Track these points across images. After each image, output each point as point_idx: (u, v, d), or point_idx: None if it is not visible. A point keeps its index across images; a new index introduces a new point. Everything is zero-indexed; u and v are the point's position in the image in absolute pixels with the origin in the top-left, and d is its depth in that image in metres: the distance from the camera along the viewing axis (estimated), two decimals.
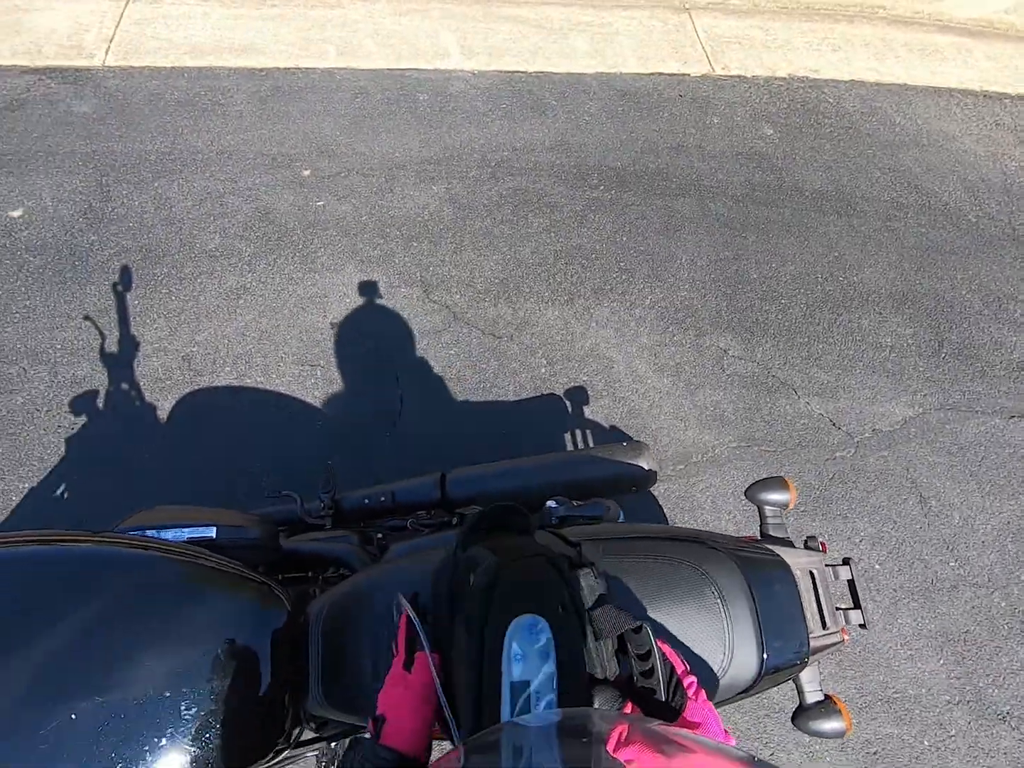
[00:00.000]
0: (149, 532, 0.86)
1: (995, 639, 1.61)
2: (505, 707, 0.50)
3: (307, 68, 2.59)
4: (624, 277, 2.14)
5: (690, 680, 0.54)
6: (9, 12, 2.63)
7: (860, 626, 0.91)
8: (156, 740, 0.64)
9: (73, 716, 0.62)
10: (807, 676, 0.88)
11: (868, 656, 1.58)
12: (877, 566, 1.70)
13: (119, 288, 1.93)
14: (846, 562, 0.94)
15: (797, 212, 2.39)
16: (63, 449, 1.66)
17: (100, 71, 2.49)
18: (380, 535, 1.15)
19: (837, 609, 0.90)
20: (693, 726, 0.50)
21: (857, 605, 0.92)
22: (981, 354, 2.09)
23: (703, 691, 0.55)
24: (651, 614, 0.74)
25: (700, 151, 2.52)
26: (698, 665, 0.73)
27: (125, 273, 1.97)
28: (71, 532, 0.76)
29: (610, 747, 0.38)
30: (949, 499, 1.81)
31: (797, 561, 0.89)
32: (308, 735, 0.83)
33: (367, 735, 0.57)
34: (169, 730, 0.64)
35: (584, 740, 0.41)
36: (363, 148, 2.36)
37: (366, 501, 1.20)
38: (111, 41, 2.59)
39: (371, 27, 2.79)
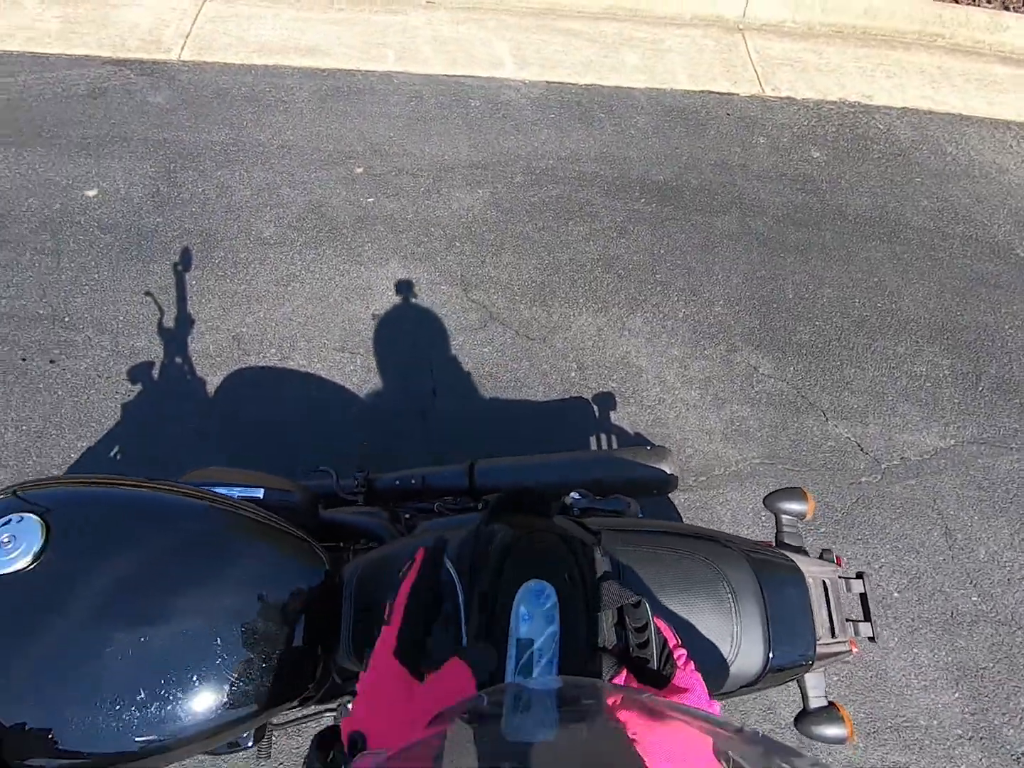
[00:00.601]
0: (213, 488, 0.94)
1: (1014, 678, 1.59)
2: (511, 662, 0.54)
3: (367, 71, 2.70)
4: (659, 289, 2.18)
5: (680, 652, 0.58)
6: (99, 7, 2.82)
7: (869, 639, 0.93)
8: (202, 669, 0.70)
9: (128, 640, 0.69)
10: (812, 682, 0.91)
11: (880, 682, 1.57)
12: (896, 594, 1.69)
13: (179, 268, 2.05)
14: (859, 576, 0.96)
15: (838, 235, 2.39)
16: (119, 414, 1.78)
17: (175, 65, 2.65)
18: (408, 515, 1.21)
19: (847, 620, 0.92)
20: (681, 691, 0.54)
21: (868, 618, 0.94)
22: (1020, 390, 2.05)
23: (692, 662, 0.59)
24: (664, 603, 0.78)
25: (744, 170, 2.54)
26: (706, 654, 0.76)
27: (185, 254, 2.09)
28: (139, 479, 0.84)
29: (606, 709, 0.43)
30: (976, 534, 1.79)
31: (810, 569, 0.91)
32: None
33: (332, 760, 0.52)
34: (215, 661, 0.71)
35: (583, 703, 0.45)
36: (414, 149, 2.46)
37: (397, 483, 1.26)
38: (187, 37, 2.75)
39: (430, 34, 2.89)
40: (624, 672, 0.56)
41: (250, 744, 0.88)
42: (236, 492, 0.94)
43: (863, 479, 1.86)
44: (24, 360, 1.84)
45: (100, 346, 1.89)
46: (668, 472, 1.18)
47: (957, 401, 2.02)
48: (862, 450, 1.90)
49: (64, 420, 1.75)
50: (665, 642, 0.58)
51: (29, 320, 1.92)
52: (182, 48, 2.71)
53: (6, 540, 0.68)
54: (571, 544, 0.63)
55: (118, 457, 1.70)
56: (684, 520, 1.75)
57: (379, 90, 2.64)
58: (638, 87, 2.78)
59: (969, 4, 3.20)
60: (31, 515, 0.71)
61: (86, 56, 2.63)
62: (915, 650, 1.61)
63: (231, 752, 0.89)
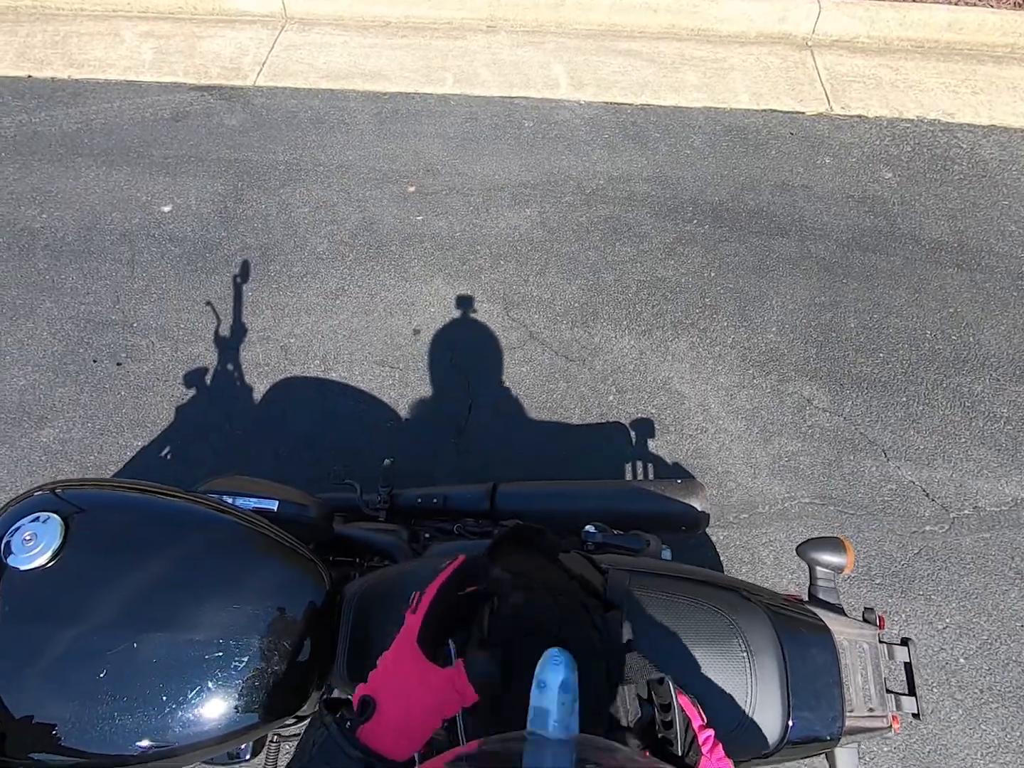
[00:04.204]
0: (227, 498, 0.97)
1: None
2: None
3: (425, 93, 2.78)
4: (707, 313, 2.09)
5: (706, 735, 0.53)
6: (188, 38, 3.06)
7: (913, 716, 0.83)
8: (200, 678, 0.71)
9: (136, 645, 0.70)
10: (844, 758, 0.82)
11: (943, 761, 1.41)
12: (962, 660, 1.52)
13: (238, 280, 2.16)
14: (905, 642, 0.86)
15: (910, 262, 2.22)
16: (172, 416, 1.88)
17: (251, 90, 2.82)
18: (428, 535, 1.20)
19: (888, 692, 0.83)
20: None
21: (912, 691, 0.84)
22: None
23: (720, 746, 0.53)
24: (672, 655, 0.72)
25: (806, 191, 2.42)
26: (714, 716, 0.70)
27: (245, 267, 2.20)
28: (168, 487, 0.87)
29: None
30: None
31: (844, 631, 0.82)
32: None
33: (340, 716, 0.52)
34: (214, 671, 0.71)
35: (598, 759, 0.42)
36: (466, 169, 2.49)
37: (419, 501, 1.25)
38: (263, 64, 2.93)
39: (488, 57, 2.95)
40: (647, 754, 0.53)
41: (248, 756, 0.88)
42: (252, 503, 0.96)
43: (928, 528, 1.69)
44: (95, 362, 1.99)
45: (162, 351, 2.01)
46: (699, 509, 1.11)
47: None
48: (928, 496, 1.74)
49: (124, 419, 1.87)
50: (689, 723, 0.53)
51: (103, 325, 2.07)
52: (258, 74, 2.89)
53: (28, 538, 0.72)
54: (590, 608, 0.59)
55: (168, 457, 1.80)
56: (723, 560, 1.65)
57: (436, 112, 2.71)
58: (696, 107, 2.72)
59: None
60: (55, 515, 0.74)
61: (174, 83, 2.85)
62: (983, 727, 1.44)
63: (231, 764, 0.89)
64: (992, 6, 2.95)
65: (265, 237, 2.30)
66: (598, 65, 2.89)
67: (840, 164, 2.52)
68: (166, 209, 2.38)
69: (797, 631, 0.77)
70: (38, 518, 0.74)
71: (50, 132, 2.64)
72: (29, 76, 2.88)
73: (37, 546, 0.71)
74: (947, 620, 1.56)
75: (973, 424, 1.86)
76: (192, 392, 1.93)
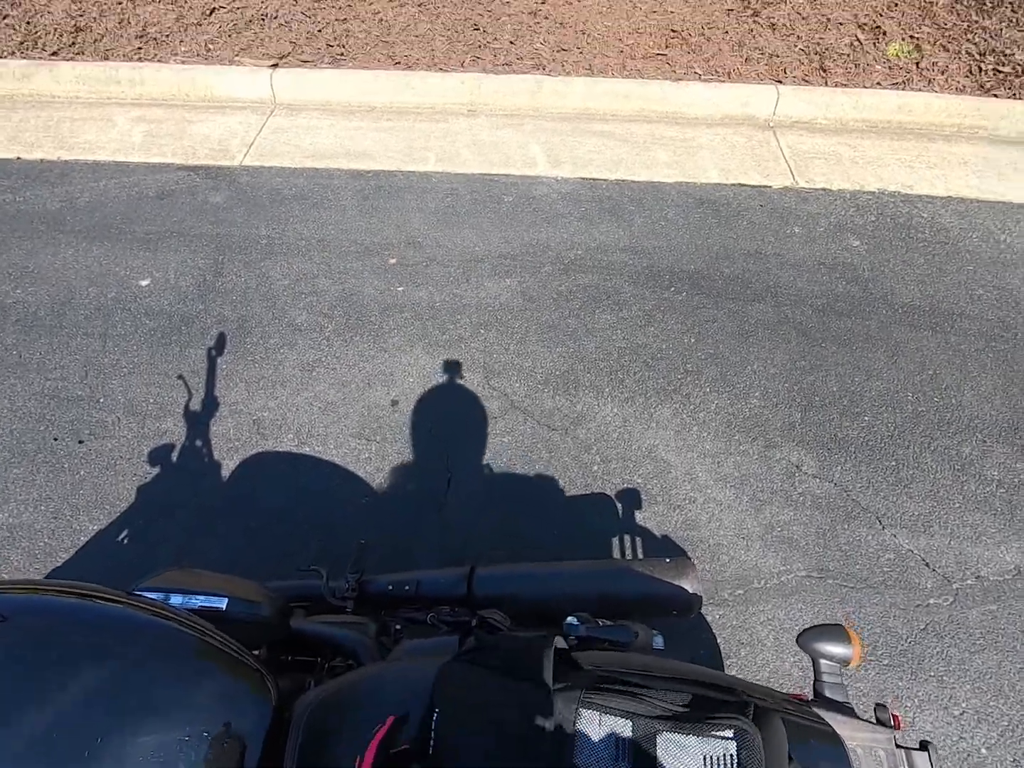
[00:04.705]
0: (173, 596, 0.88)
1: None
2: None
3: (408, 171, 2.88)
4: (689, 379, 2.08)
5: None
6: (178, 123, 3.18)
7: None
8: None
9: None
10: None
11: None
12: (984, 750, 1.39)
13: (212, 353, 2.12)
14: (924, 747, 0.77)
15: (885, 326, 2.26)
16: (133, 497, 1.78)
17: (237, 169, 2.90)
18: (399, 626, 1.10)
19: None
20: None
21: None
22: None
23: None
24: None
25: (779, 259, 2.49)
26: None
27: (220, 340, 2.17)
28: (103, 588, 0.78)
29: None
30: None
31: (856, 735, 0.74)
32: None
33: None
34: None
35: None
36: (446, 242, 2.54)
37: (390, 587, 1.16)
38: (251, 145, 3.03)
39: (469, 138, 3.09)
40: None
41: None
42: (199, 601, 0.87)
43: (932, 601, 1.61)
44: (56, 440, 1.90)
45: (128, 428, 1.93)
46: (690, 591, 1.03)
47: None
48: (928, 565, 1.67)
49: (81, 501, 1.76)
50: None
51: (68, 401, 2.00)
52: (245, 155, 2.98)
53: None
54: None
55: (125, 542, 1.68)
56: (719, 641, 1.54)
57: (418, 188, 2.79)
58: (668, 181, 2.84)
59: (1011, 97, 3.18)
60: None
61: (162, 163, 2.93)
62: None
63: None
64: (936, 91, 3.19)
65: (243, 309, 2.28)
66: (574, 145, 3.04)
67: (809, 233, 2.61)
68: (144, 283, 2.37)
69: (805, 740, 0.68)
70: None
71: (33, 210, 2.66)
72: (18, 158, 2.95)
73: None
74: (963, 705, 1.45)
75: (965, 488, 1.82)
76: (157, 470, 1.84)
